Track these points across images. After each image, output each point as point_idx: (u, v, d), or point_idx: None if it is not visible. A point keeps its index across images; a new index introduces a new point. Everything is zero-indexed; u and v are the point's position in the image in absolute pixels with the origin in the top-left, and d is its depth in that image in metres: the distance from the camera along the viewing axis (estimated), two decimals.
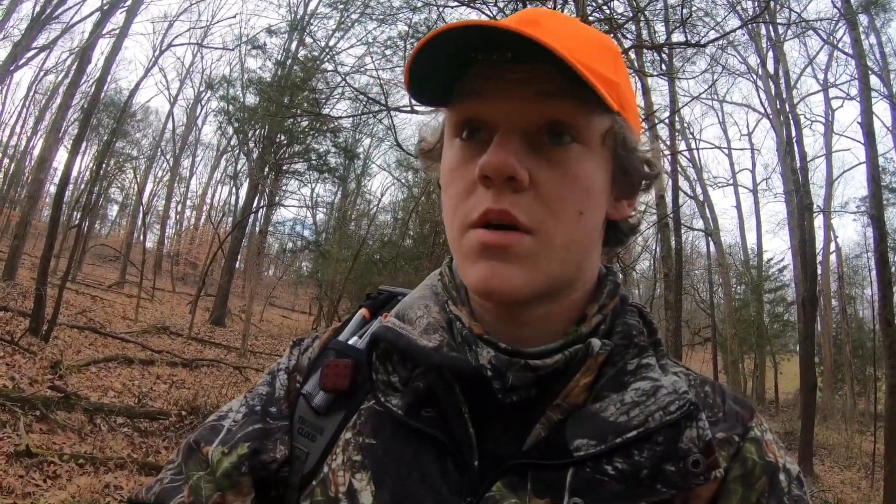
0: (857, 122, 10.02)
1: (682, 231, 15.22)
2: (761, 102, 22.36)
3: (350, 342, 0.82)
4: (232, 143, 28.34)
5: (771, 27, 12.88)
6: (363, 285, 18.08)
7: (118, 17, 14.38)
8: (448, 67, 0.64)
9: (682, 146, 20.62)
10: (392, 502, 0.66)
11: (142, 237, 30.18)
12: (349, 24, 19.97)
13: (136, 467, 5.65)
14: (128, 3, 12.96)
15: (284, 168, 22.87)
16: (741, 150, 29.07)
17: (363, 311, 0.88)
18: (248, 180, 23.42)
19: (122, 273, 26.39)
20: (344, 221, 29.23)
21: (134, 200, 34.98)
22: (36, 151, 26.68)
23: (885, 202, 11.30)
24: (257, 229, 25.79)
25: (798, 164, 12.72)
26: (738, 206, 30.31)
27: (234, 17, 59.88)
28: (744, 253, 29.89)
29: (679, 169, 19.43)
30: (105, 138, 25.56)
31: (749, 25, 11.70)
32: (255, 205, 22.48)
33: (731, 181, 29.27)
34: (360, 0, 13.90)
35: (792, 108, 13.85)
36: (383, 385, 0.72)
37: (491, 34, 0.59)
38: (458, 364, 0.68)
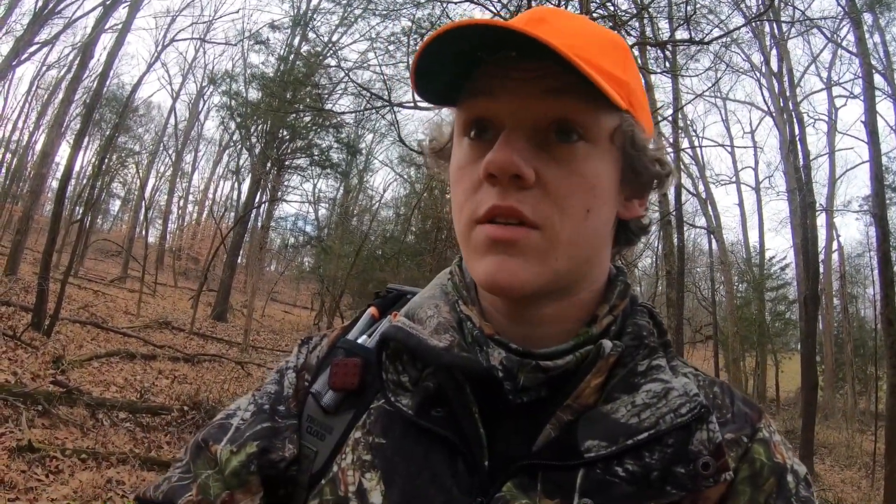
0: (861, 121, 10.01)
1: (685, 228, 15.22)
2: (764, 100, 22.35)
3: (359, 341, 0.81)
4: (234, 138, 28.43)
5: (774, 25, 12.84)
6: (365, 281, 18.11)
7: (121, 12, 14.39)
8: (454, 66, 0.64)
9: (684, 143, 20.60)
10: (402, 502, 0.66)
11: (144, 232, 30.29)
12: (352, 20, 19.96)
13: (138, 462, 5.66)
14: None
15: (287, 163, 22.91)
16: (744, 147, 29.08)
17: (372, 310, 0.88)
18: (250, 175, 23.44)
19: (124, 268, 26.42)
20: (346, 217, 29.30)
21: (136, 195, 35.04)
22: (38, 146, 26.73)
23: (888, 201, 11.28)
24: (259, 224, 25.87)
25: (801, 163, 12.71)
26: (741, 204, 30.30)
27: (237, 12, 59.87)
28: (746, 251, 29.88)
29: (682, 166, 19.42)
30: (107, 133, 25.59)
31: (753, 23, 11.66)
32: (257, 200, 22.48)
33: (733, 179, 29.29)
34: None
35: (795, 107, 13.84)
36: (393, 385, 0.72)
37: (496, 33, 0.59)
38: (469, 364, 0.68)
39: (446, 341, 0.70)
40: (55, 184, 20.59)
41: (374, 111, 13.01)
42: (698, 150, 24.15)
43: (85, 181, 26.64)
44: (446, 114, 0.76)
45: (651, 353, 0.70)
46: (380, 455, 0.69)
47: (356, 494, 0.68)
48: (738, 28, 10.12)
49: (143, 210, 27.80)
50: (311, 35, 21.73)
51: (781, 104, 16.03)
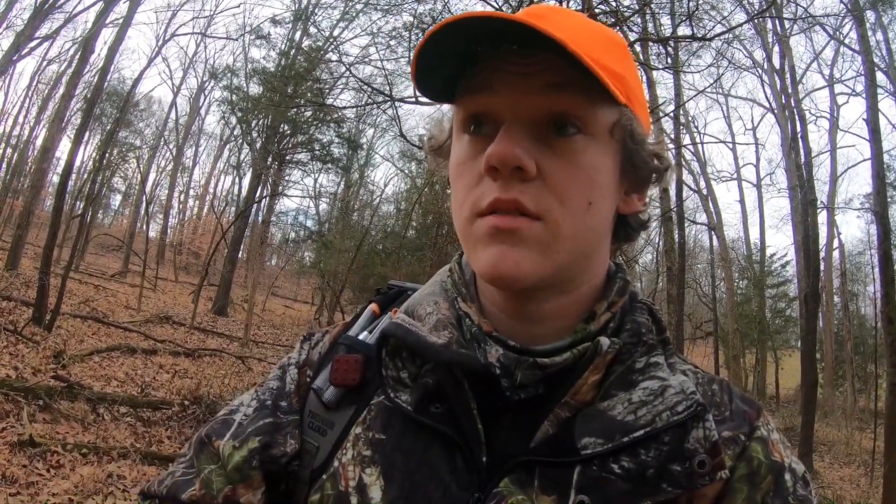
0: (863, 119, 9.99)
1: (686, 225, 15.22)
2: (766, 97, 22.37)
3: (360, 337, 0.82)
4: (235, 132, 28.43)
5: (777, 21, 12.81)
6: (365, 276, 18.11)
7: (121, 7, 14.33)
8: (454, 60, 0.65)
9: (686, 140, 20.56)
10: (401, 497, 0.66)
11: (145, 227, 30.31)
12: (353, 14, 19.93)
13: (139, 457, 5.68)
14: None
15: (288, 158, 22.92)
16: (746, 144, 29.04)
17: (373, 306, 0.88)
18: (251, 170, 23.44)
19: (125, 262, 26.47)
20: (347, 212, 29.28)
21: (137, 190, 35.10)
22: (39, 141, 26.66)
23: (889, 199, 11.26)
24: (260, 219, 25.88)
25: (802, 160, 12.70)
26: (742, 201, 30.36)
27: (238, 6, 59.52)
28: (746, 248, 29.86)
29: (683, 163, 19.39)
30: (108, 128, 25.59)
31: (755, 20, 11.63)
32: (258, 195, 22.48)
33: (734, 175, 29.27)
34: None
35: (797, 104, 13.82)
36: (393, 381, 0.72)
37: (497, 25, 0.59)
38: (467, 361, 0.68)
39: (445, 338, 0.70)
40: (56, 179, 20.57)
41: (375, 106, 13.00)
42: (699, 146, 24.12)
43: (86, 176, 26.68)
44: (447, 109, 0.76)
45: (649, 350, 0.70)
46: (380, 451, 0.70)
47: (356, 490, 0.68)
48: (741, 25, 10.12)
49: (143, 205, 27.86)
50: (313, 30, 21.70)
51: (783, 101, 16.01)
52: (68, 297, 12.40)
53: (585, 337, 0.69)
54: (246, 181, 26.14)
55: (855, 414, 20.05)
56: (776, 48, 15.71)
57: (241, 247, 24.56)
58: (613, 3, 8.31)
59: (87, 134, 21.68)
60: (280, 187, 24.32)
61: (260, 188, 22.47)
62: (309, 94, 19.14)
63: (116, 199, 45.90)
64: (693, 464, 0.62)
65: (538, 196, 0.63)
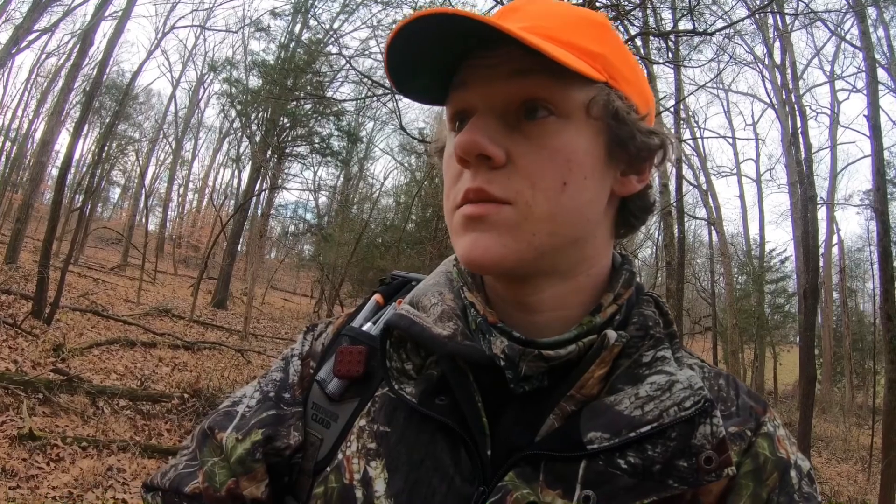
0: (864, 116, 9.98)
1: (685, 220, 15.21)
2: (767, 92, 22.38)
3: (364, 328, 0.82)
4: (234, 125, 28.42)
5: (778, 17, 12.78)
6: (365, 269, 18.13)
7: (120, 0, 14.31)
8: (428, 62, 0.66)
9: (686, 135, 20.54)
10: (405, 489, 0.66)
11: (144, 220, 30.28)
12: (353, 7, 19.89)
13: (138, 450, 5.69)
14: None
15: (287, 151, 22.87)
16: (746, 140, 29.02)
17: (377, 297, 0.88)
18: (250, 163, 23.42)
19: (125, 256, 26.44)
20: (346, 205, 29.27)
21: (136, 183, 35.02)
22: (38, 134, 26.63)
23: (889, 196, 11.25)
24: (259, 212, 25.81)
25: (802, 156, 12.67)
26: (742, 196, 30.38)
27: None
28: (746, 243, 29.86)
29: (683, 158, 19.37)
30: (107, 121, 25.52)
31: (756, 15, 11.60)
32: (257, 188, 22.44)
33: (734, 171, 29.26)
34: None
35: (798, 99, 13.80)
36: (397, 373, 0.71)
37: (452, 25, 0.59)
38: (472, 353, 0.68)
39: (450, 329, 0.70)
40: (55, 172, 20.52)
41: (375, 99, 12.96)
42: (700, 141, 24.10)
43: (85, 169, 26.63)
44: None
45: (656, 343, 0.69)
46: (384, 443, 0.69)
47: (361, 482, 0.68)
48: (742, 20, 10.10)
49: (143, 198, 27.80)
50: (312, 22, 21.64)
51: (784, 97, 15.98)
52: (67, 290, 12.41)
53: (591, 329, 0.68)
54: (245, 174, 26.13)
55: (853, 410, 20.11)
56: (777, 43, 15.71)
57: (241, 240, 24.54)
58: None
59: (86, 127, 21.66)
60: (279, 180, 24.29)
61: (259, 181, 22.44)
62: (309, 87, 19.11)
63: (115, 193, 45.95)
64: (700, 460, 0.62)
65: (506, 182, 0.64)
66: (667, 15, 10.73)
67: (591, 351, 0.67)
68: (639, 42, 9.83)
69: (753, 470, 0.65)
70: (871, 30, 10.77)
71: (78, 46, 15.30)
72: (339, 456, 0.71)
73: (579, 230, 0.68)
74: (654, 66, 11.39)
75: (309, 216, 29.52)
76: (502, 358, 0.67)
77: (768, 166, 39.42)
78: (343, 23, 21.36)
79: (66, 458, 5.29)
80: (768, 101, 22.16)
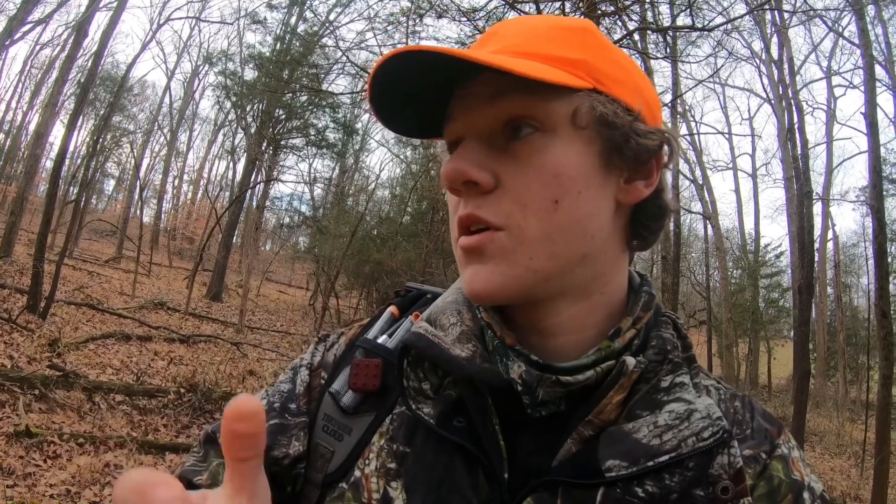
0: (861, 113, 9.98)
1: (681, 213, 15.23)
2: (763, 87, 22.32)
3: (379, 341, 0.81)
4: (230, 117, 28.31)
5: (776, 12, 12.77)
6: (361, 261, 18.10)
7: None
8: (413, 98, 0.67)
9: (683, 129, 20.55)
10: None
11: (138, 212, 30.07)
12: None
13: (135, 446, 5.69)
14: None
15: (282, 143, 22.81)
16: (742, 136, 29.05)
17: (392, 309, 0.87)
18: (245, 155, 23.36)
19: (119, 248, 26.38)
20: (342, 197, 29.17)
21: (131, 175, 34.85)
22: (32, 126, 26.53)
23: (885, 193, 11.28)
24: (255, 204, 25.75)
25: (799, 151, 12.67)
26: (737, 191, 30.31)
27: None
28: (741, 237, 29.93)
29: (679, 151, 19.34)
30: (102, 113, 25.41)
31: (755, 11, 11.59)
32: (252, 180, 22.39)
33: (730, 165, 29.28)
34: None
35: (794, 95, 13.76)
36: (414, 392, 0.71)
37: (419, 61, 0.60)
38: (490, 377, 0.67)
39: (468, 351, 0.69)
40: (50, 164, 20.50)
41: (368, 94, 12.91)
42: (696, 136, 24.11)
43: (79, 161, 26.55)
44: None
45: (675, 368, 0.68)
46: (404, 464, 0.69)
47: (380, 503, 0.68)
48: (741, 16, 10.06)
49: (137, 190, 27.68)
50: (309, 14, 21.55)
51: (781, 92, 15.97)
52: (62, 283, 12.36)
53: (609, 355, 0.67)
54: (240, 166, 26.00)
55: (846, 405, 20.22)
56: (775, 39, 15.68)
57: (236, 232, 24.52)
58: None
59: (80, 119, 21.50)
60: (275, 172, 24.21)
61: (254, 173, 22.38)
62: (304, 79, 19.03)
63: (110, 185, 45.77)
64: (717, 490, 0.62)
65: (496, 206, 0.64)
66: (665, 10, 10.70)
67: (610, 377, 0.66)
68: (636, 37, 9.82)
69: (768, 492, 0.65)
70: (870, 27, 10.76)
71: (72, 38, 15.18)
72: (357, 473, 0.71)
73: (582, 247, 0.66)
74: (652, 61, 11.36)
75: (304, 208, 29.51)
76: (520, 383, 0.66)
77: (764, 161, 39.38)
78: (339, 14, 21.27)
79: (63, 454, 5.29)
80: (765, 96, 22.17)
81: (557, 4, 7.31)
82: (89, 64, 13.42)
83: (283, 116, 21.86)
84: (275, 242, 37.13)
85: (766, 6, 9.15)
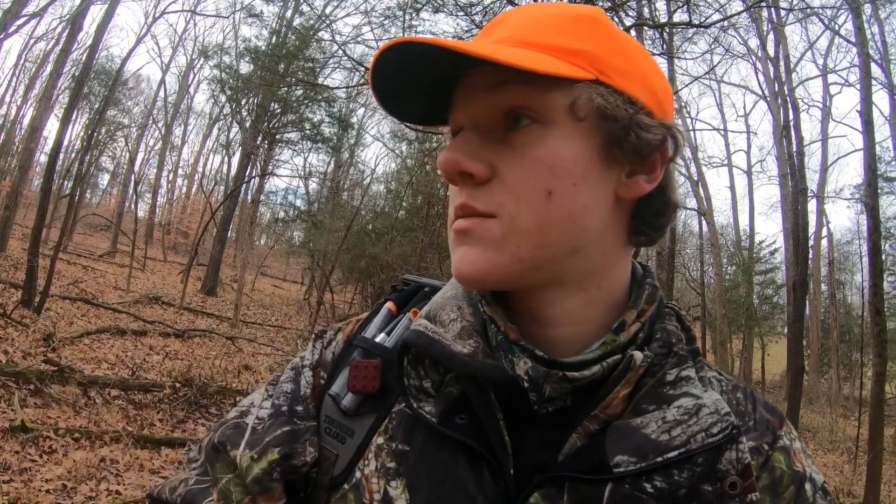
0: (857, 111, 10.00)
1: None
2: (759, 85, 22.43)
3: (377, 339, 0.79)
4: (225, 111, 28.22)
5: (773, 10, 12.77)
6: (356, 256, 18.08)
7: None
8: (421, 91, 0.68)
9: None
10: None
11: (133, 206, 30.08)
12: None
13: (131, 441, 5.68)
14: None
15: (278, 137, 22.76)
16: (738, 132, 29.10)
17: (389, 305, 0.86)
18: (240, 149, 23.31)
19: (114, 242, 26.32)
20: (337, 191, 29.12)
21: (125, 169, 34.76)
22: (26, 120, 26.41)
23: (879, 191, 11.29)
24: (249, 199, 25.72)
25: (794, 148, 12.71)
26: (732, 187, 30.60)
27: None
28: (736, 234, 29.97)
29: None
30: (96, 107, 25.29)
31: (752, 9, 11.59)
32: (247, 174, 22.36)
33: (726, 162, 29.32)
34: None
35: (790, 92, 13.80)
36: (415, 390, 0.70)
37: (417, 52, 0.60)
38: (494, 373, 0.66)
39: (470, 347, 0.68)
40: (44, 158, 20.42)
41: (367, 86, 12.90)
42: (692, 132, 24.14)
43: (74, 155, 26.37)
44: None
45: (680, 361, 0.68)
46: (404, 462, 0.68)
47: (382, 503, 0.67)
48: (738, 13, 10.07)
49: (132, 184, 27.62)
50: (305, 8, 21.48)
51: (776, 89, 16.02)
52: (57, 278, 12.34)
53: (615, 349, 0.67)
54: (235, 160, 26.05)
55: (839, 401, 20.30)
56: (771, 36, 15.67)
57: (231, 226, 24.47)
58: None
59: (75, 113, 21.42)
60: (270, 166, 24.17)
61: (249, 167, 22.36)
62: (300, 73, 18.99)
63: (105, 179, 45.60)
64: (724, 485, 0.62)
65: (489, 197, 0.64)
66: (662, 6, 10.71)
67: (617, 372, 0.66)
68: (633, 33, 9.81)
69: (770, 484, 0.65)
70: (866, 25, 10.78)
71: (67, 31, 15.12)
72: (358, 474, 0.70)
73: (574, 240, 0.66)
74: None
75: (299, 202, 29.47)
76: (526, 379, 0.65)
77: (759, 158, 39.44)
78: (336, 8, 21.23)
79: (58, 450, 5.28)
80: (761, 92, 22.21)
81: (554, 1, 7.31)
82: (84, 58, 13.34)
83: (279, 110, 21.81)
84: (270, 237, 37.12)
85: (763, 3, 9.14)
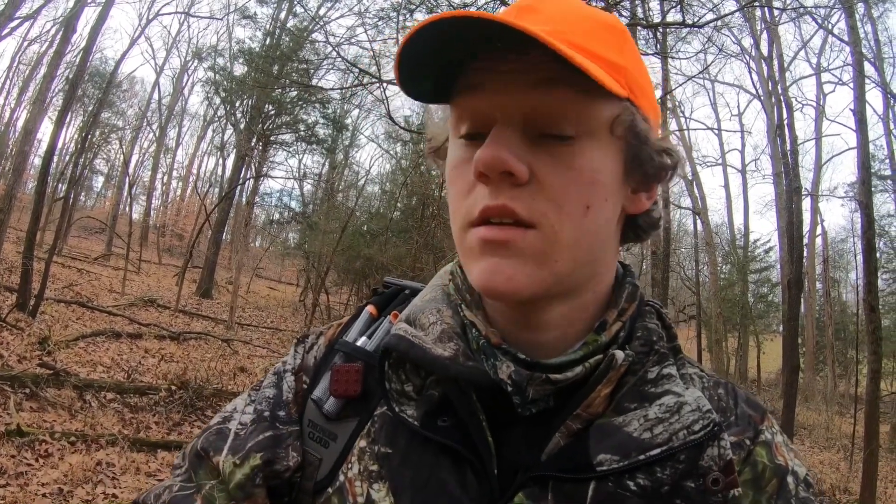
0: (850, 109, 10.03)
1: (671, 209, 15.27)
2: (753, 84, 22.35)
3: (359, 343, 0.79)
4: (219, 113, 28.15)
5: (766, 9, 12.80)
6: (351, 257, 18.07)
7: None
8: (441, 63, 0.62)
9: (672, 125, 20.58)
10: None
11: (128, 209, 29.88)
12: None
13: (127, 444, 5.66)
14: None
15: (272, 139, 22.75)
16: (732, 132, 29.13)
17: (370, 308, 0.86)
18: (235, 151, 23.31)
19: (109, 245, 26.23)
20: (332, 193, 29.11)
21: (119, 171, 34.57)
22: (20, 123, 26.32)
23: (873, 189, 11.33)
24: (244, 200, 25.67)
25: (788, 147, 12.73)
26: (727, 187, 30.42)
27: None
28: (731, 233, 30.01)
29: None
30: (90, 109, 25.20)
31: (745, 9, 11.62)
32: (242, 176, 22.31)
33: (720, 161, 29.37)
34: None
35: (784, 91, 13.84)
36: (397, 394, 0.70)
37: (476, 26, 0.56)
38: (476, 376, 0.66)
39: (451, 350, 0.68)
40: (38, 161, 20.33)
41: (361, 87, 12.89)
42: (686, 132, 24.16)
43: (68, 158, 26.29)
44: (444, 108, 0.72)
45: (661, 359, 0.68)
46: (387, 465, 0.68)
47: None
48: (731, 13, 10.08)
49: (126, 186, 27.48)
50: (299, 9, 21.46)
51: (770, 88, 16.00)
52: (52, 281, 12.30)
53: (597, 349, 0.67)
54: (230, 162, 25.94)
55: (835, 399, 20.36)
56: (764, 35, 15.72)
57: (225, 228, 24.42)
58: None
59: (69, 115, 21.33)
60: (264, 168, 24.17)
61: (244, 169, 22.32)
62: (294, 75, 18.98)
63: (99, 182, 45.50)
64: (707, 481, 0.62)
65: (531, 201, 0.61)
66: (655, 6, 10.72)
67: (599, 371, 0.66)
68: None
69: (752, 478, 0.66)
70: (859, 24, 10.81)
71: (60, 34, 15.06)
72: (341, 478, 0.70)
73: (595, 254, 0.67)
74: (642, 58, 11.37)
75: (294, 204, 29.37)
76: (509, 383, 0.65)
77: (754, 157, 39.66)
78: (329, 9, 21.19)
79: (54, 453, 5.26)
80: (754, 91, 22.23)
81: None
82: (78, 60, 13.35)
83: (273, 112, 21.80)
84: (265, 239, 36.96)
85: (756, 3, 9.16)
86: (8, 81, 30.31)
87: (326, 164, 31.88)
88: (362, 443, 0.71)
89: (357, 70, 10.95)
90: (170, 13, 32.29)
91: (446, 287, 0.77)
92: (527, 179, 0.61)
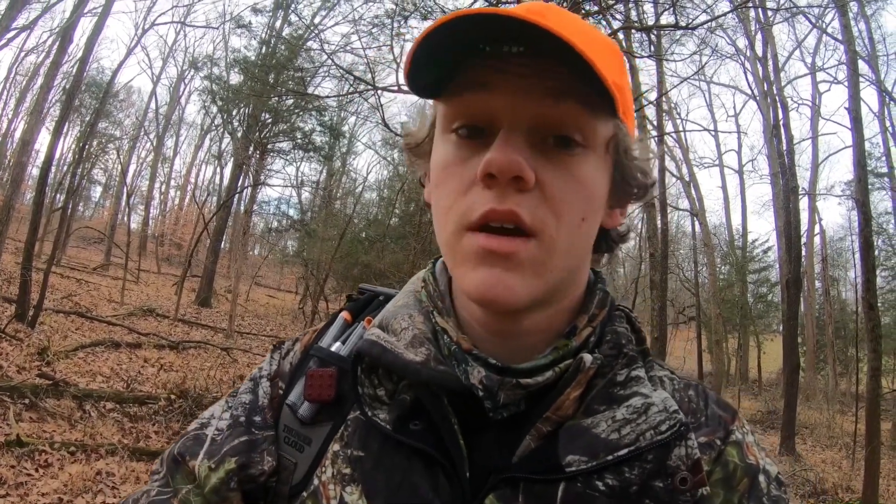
0: (845, 108, 10.06)
1: (668, 211, 15.31)
2: (749, 84, 22.40)
3: (333, 348, 0.80)
4: (216, 122, 28.17)
5: (760, 9, 12.84)
6: (349, 264, 18.06)
7: None
8: (452, 57, 0.61)
9: (668, 127, 20.62)
10: None
11: (126, 218, 29.90)
12: (335, 1, 19.77)
13: (127, 453, 5.66)
14: None
15: (269, 147, 22.75)
16: (728, 132, 29.17)
17: (344, 314, 0.87)
18: (232, 159, 23.31)
19: (107, 255, 26.22)
20: (329, 200, 29.12)
21: (117, 181, 34.62)
22: (17, 134, 26.37)
23: (870, 187, 11.35)
24: (242, 209, 25.67)
25: (784, 147, 12.79)
26: (724, 187, 30.55)
27: None
28: (729, 233, 30.02)
29: (666, 149, 19.47)
30: (88, 119, 25.24)
31: (739, 10, 11.66)
32: (239, 184, 22.33)
33: (717, 162, 29.42)
34: None
35: (779, 91, 13.91)
36: (369, 399, 0.71)
37: (506, 24, 0.55)
38: (447, 380, 0.67)
39: (422, 355, 0.69)
40: (36, 172, 20.28)
41: (357, 94, 12.93)
42: (682, 133, 24.20)
43: (66, 168, 26.37)
44: (430, 104, 0.72)
45: (630, 362, 0.69)
46: (359, 468, 0.69)
47: None
48: (725, 14, 10.12)
49: (124, 196, 27.51)
50: (294, 18, 21.50)
51: (766, 88, 16.06)
52: (51, 291, 12.28)
53: (567, 354, 0.68)
54: (227, 171, 26.02)
55: (836, 397, 20.34)
56: (759, 36, 15.76)
57: (224, 237, 24.42)
58: None
59: (66, 125, 21.34)
60: (262, 176, 24.15)
61: (242, 177, 22.34)
62: (290, 83, 19.00)
63: (97, 192, 45.46)
64: (675, 481, 0.64)
65: (535, 208, 0.61)
66: (649, 8, 10.75)
67: (567, 374, 0.67)
68: (621, 36, 9.85)
69: (724, 478, 0.66)
70: (853, 23, 10.85)
71: (57, 44, 15.09)
72: (315, 482, 0.71)
73: (579, 264, 0.69)
74: (637, 60, 11.42)
75: (292, 212, 29.36)
76: (481, 388, 0.66)
77: (750, 157, 39.61)
78: (324, 18, 21.24)
79: (54, 463, 5.25)
80: (750, 92, 22.25)
81: None
82: (74, 70, 13.34)
83: (270, 120, 21.81)
84: (263, 247, 36.93)
85: (750, 4, 9.20)
86: (5, 92, 30.40)
87: (324, 171, 31.94)
88: (336, 446, 0.72)
89: (352, 77, 10.98)
90: (166, 23, 32.34)
91: (418, 293, 0.78)
92: (532, 186, 0.61)
